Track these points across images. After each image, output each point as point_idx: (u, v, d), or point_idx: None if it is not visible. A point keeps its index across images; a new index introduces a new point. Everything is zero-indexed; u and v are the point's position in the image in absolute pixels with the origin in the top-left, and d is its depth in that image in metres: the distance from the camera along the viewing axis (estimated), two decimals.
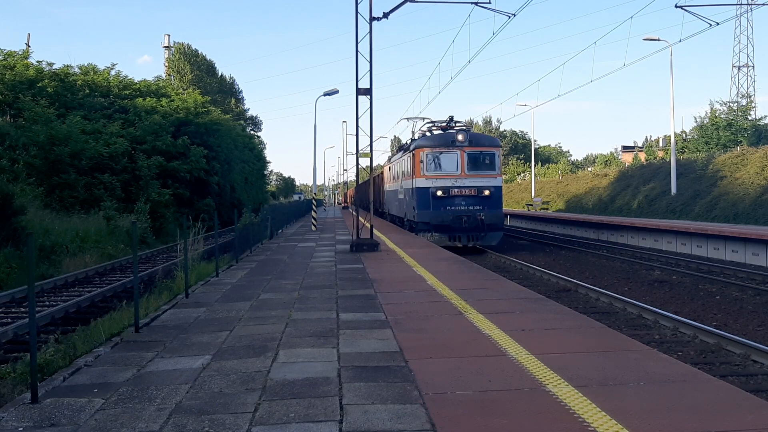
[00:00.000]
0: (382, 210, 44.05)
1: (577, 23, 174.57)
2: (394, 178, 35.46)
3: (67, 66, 37.08)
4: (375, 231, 21.64)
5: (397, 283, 12.45)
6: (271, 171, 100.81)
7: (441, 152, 26.24)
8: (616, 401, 5.24)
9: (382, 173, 46.58)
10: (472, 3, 19.50)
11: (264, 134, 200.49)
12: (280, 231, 31.57)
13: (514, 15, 19.06)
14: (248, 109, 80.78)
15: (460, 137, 26.25)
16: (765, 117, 58.54)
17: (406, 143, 33.85)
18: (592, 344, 7.25)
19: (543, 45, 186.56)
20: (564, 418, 4.93)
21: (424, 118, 33.82)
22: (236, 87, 80.00)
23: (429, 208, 25.95)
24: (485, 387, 5.74)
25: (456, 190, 25.85)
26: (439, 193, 25.82)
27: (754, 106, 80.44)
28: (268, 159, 75.71)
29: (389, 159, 42.44)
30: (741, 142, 49.76)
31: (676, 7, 25.40)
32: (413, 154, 27.21)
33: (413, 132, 35.27)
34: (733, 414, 4.92)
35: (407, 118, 36.94)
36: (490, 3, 19.33)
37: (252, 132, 73.04)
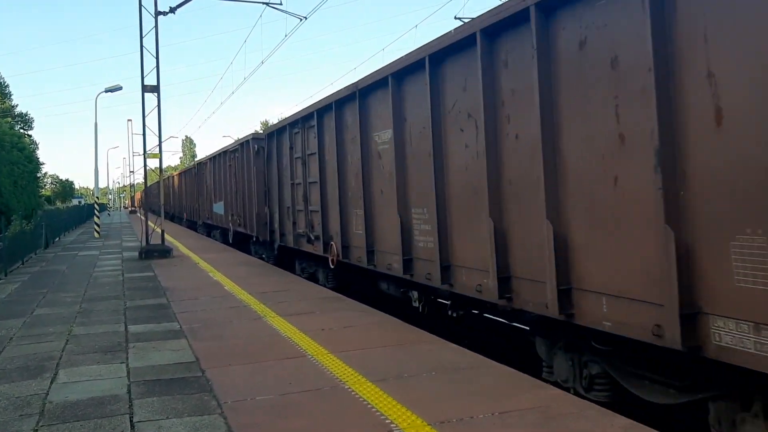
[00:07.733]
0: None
1: (367, 29, 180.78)
2: None
3: None
4: (167, 236, 20.57)
5: (192, 290, 11.94)
6: (46, 173, 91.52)
7: None
8: (412, 392, 5.47)
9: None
10: (263, 3, 19.31)
11: (36, 133, 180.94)
12: (58, 239, 29.07)
13: (306, 18, 19.19)
14: (16, 106, 72.65)
15: None
16: None
17: None
18: (389, 339, 7.51)
19: (337, 47, 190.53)
20: (363, 413, 5.03)
21: None
22: (1, 80, 71.68)
23: None
24: (286, 390, 5.68)
25: None
26: None
27: None
28: (42, 160, 68.73)
29: None
30: None
31: (455, 18, 27.42)
32: None
33: None
34: (515, 394, 5.36)
35: None
36: (281, 4, 19.29)
37: (22, 131, 65.93)
